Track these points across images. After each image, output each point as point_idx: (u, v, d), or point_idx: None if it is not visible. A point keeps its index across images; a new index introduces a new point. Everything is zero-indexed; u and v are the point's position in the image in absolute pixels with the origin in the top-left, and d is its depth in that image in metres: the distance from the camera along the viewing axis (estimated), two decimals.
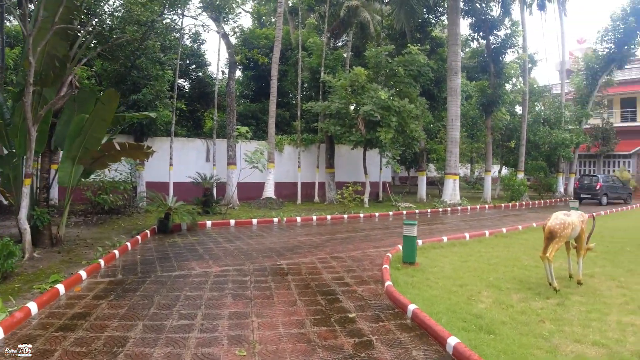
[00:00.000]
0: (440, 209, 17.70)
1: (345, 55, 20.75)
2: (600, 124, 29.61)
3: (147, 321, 4.91)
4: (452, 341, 4.24)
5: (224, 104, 19.42)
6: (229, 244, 9.75)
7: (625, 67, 28.30)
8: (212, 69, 23.33)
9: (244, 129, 13.78)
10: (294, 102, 23.02)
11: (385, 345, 4.40)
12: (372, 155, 20.76)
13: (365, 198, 17.87)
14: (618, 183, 24.00)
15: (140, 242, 9.76)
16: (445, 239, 10.32)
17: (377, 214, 15.61)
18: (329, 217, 14.52)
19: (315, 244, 10.02)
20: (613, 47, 25.71)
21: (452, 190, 19.22)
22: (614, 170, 29.95)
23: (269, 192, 17.03)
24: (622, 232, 12.23)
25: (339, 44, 23.26)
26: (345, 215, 14.88)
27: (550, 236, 6.42)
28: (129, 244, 9.00)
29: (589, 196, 22.59)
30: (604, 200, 22.41)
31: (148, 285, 6.36)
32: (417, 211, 16.96)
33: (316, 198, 19.41)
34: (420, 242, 9.27)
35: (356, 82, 16.89)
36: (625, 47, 25.41)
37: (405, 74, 17.14)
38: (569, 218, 6.55)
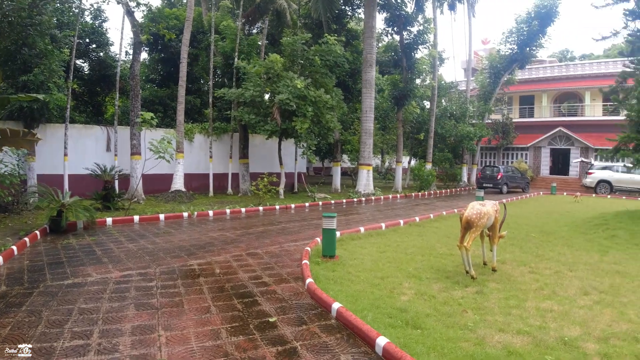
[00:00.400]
0: (355, 199, 17.86)
1: (260, 43, 20.03)
2: (500, 119, 32.14)
3: (34, 343, 4.04)
4: (382, 341, 3.98)
5: (127, 88, 17.73)
6: (132, 244, 8.72)
7: (526, 67, 30.93)
8: (115, 49, 21.17)
9: (148, 115, 12.52)
10: (206, 88, 21.82)
11: (311, 351, 4.02)
12: (287, 146, 20.36)
13: (281, 189, 17.47)
14: (517, 173, 26.20)
15: (28, 244, 8.36)
16: (362, 229, 10.25)
17: (293, 205, 15.25)
18: (243, 210, 13.85)
19: (230, 239, 9.36)
20: (516, 48, 27.86)
21: (366, 181, 19.51)
22: (512, 162, 32.75)
23: (178, 184, 15.90)
24: (525, 219, 13.12)
25: (254, 31, 22.42)
26: (261, 208, 14.31)
27: (468, 226, 6.49)
28: (14, 247, 7.63)
29: (490, 185, 24.32)
30: (504, 189, 24.27)
31: (36, 298, 5.33)
32: (332, 202, 16.91)
33: (229, 190, 18.58)
34: (338, 233, 9.06)
35: (272, 70, 16.32)
36: (527, 49, 27.67)
37: (321, 64, 16.91)
38: (484, 208, 6.67)
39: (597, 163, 26.97)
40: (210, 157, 18.20)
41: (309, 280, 5.91)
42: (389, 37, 23.27)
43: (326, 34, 17.47)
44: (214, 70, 19.72)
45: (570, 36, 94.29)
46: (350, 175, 25.37)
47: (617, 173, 24.95)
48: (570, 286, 6.12)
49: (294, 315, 4.93)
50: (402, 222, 11.78)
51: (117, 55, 18.24)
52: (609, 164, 26.25)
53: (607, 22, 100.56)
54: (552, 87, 34.54)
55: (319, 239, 8.48)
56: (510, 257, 7.93)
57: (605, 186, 25.12)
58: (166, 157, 12.06)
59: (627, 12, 12.62)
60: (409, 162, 29.31)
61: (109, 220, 11.07)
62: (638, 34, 12.67)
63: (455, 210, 14.97)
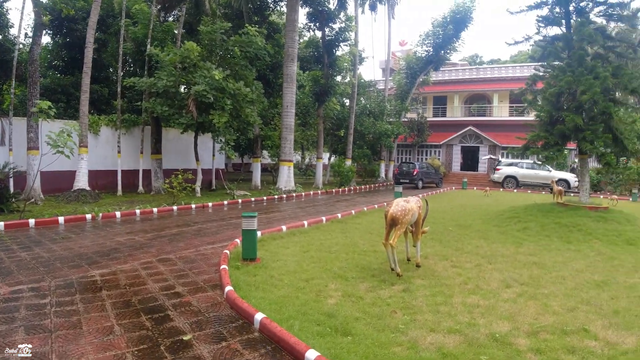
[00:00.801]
0: (276, 197, 17.45)
1: (176, 31, 18.76)
2: (416, 117, 33.50)
3: None
4: (312, 355, 3.63)
5: (26, 74, 15.64)
6: (25, 252, 7.49)
7: (440, 69, 32.43)
8: (14, 32, 18.60)
9: (45, 104, 10.94)
10: (115, 77, 20.03)
11: None
12: (204, 141, 19.39)
13: (197, 187, 16.50)
14: (431, 169, 27.42)
15: None
16: (284, 228, 9.86)
17: (210, 204, 14.39)
18: (155, 210, 12.76)
19: (139, 244, 8.44)
20: (432, 50, 29.13)
21: (287, 177, 19.18)
22: (427, 159, 34.33)
23: (82, 182, 14.33)
24: (442, 214, 13.55)
25: (170, 19, 21.00)
26: (175, 207, 13.31)
27: (393, 223, 6.39)
28: None
29: (407, 181, 25.17)
30: (420, 184, 25.25)
31: None
32: (253, 199, 16.32)
33: (140, 188, 17.19)
34: (259, 233, 8.58)
35: (188, 59, 15.30)
36: (442, 52, 29.03)
37: (241, 56, 16.20)
38: (409, 204, 6.61)
39: (504, 160, 29.08)
40: (119, 152, 16.68)
41: (228, 288, 5.38)
42: (311, 32, 23.13)
43: (247, 25, 16.77)
44: (124, 58, 18.13)
45: (479, 42, 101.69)
46: (270, 172, 24.88)
47: (522, 169, 27.11)
48: (492, 279, 6.26)
49: (212, 330, 4.39)
50: (324, 219, 11.59)
51: (16, 38, 16.00)
52: (515, 160, 28.43)
53: (512, 30, 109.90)
54: (464, 89, 36.75)
55: (238, 241, 7.96)
56: (432, 251, 8.03)
57: (512, 181, 27.17)
58: (66, 152, 10.69)
59: (540, 19, 13.46)
60: (329, 159, 29.50)
61: (0, 224, 9.57)
62: (548, 39, 13.57)
63: (376, 205, 15.15)
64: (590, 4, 12.94)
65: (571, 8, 13.06)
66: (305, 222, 10.72)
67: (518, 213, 12.32)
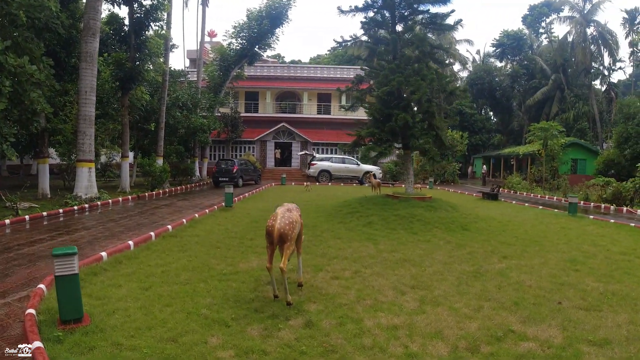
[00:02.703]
0: (76, 207, 13.66)
1: None
2: (229, 112, 31.82)
3: None
4: None
5: None
6: None
7: (253, 64, 31.57)
8: None
9: None
10: None
11: None
12: None
13: None
14: (250, 166, 26.32)
15: None
16: (104, 254, 7.11)
17: None
18: None
19: None
20: (246, 43, 27.87)
21: (87, 182, 15.36)
22: (241, 155, 33.12)
23: None
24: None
25: None
26: None
27: (282, 240, 5.01)
28: None
29: (226, 179, 23.51)
30: (240, 182, 23.87)
31: None
32: (45, 214, 12.19)
33: None
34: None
35: None
36: (257, 47, 28.12)
37: (28, 24, 12.03)
38: (293, 214, 5.32)
39: (318, 155, 30.05)
40: None
41: None
42: (114, 7, 19.11)
43: None
44: None
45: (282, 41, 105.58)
46: (60, 175, 19.76)
47: (334, 163, 28.39)
48: (382, 287, 5.88)
49: None
50: (152, 234, 9.17)
51: None
52: (327, 155, 29.60)
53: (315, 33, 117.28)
54: (276, 86, 36.94)
55: (44, 287, 5.24)
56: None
57: (326, 175, 28.23)
58: None
59: (368, 21, 13.62)
60: (135, 157, 25.62)
61: None
62: (374, 41, 13.89)
63: (207, 210, 13.20)
64: (413, 12, 13.84)
65: (397, 14, 13.74)
66: (131, 243, 8.13)
67: (356, 207, 12.32)
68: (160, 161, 21.65)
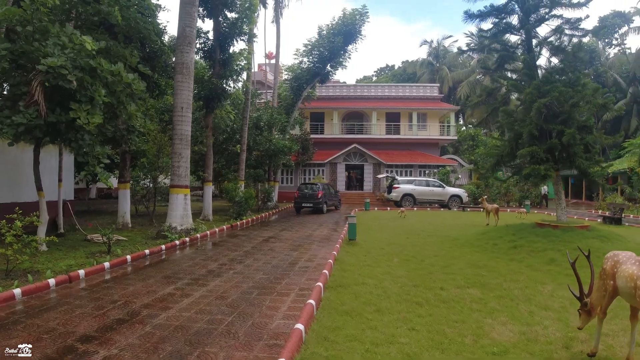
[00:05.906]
0: (178, 242, 11.63)
1: None
2: (299, 134, 29.95)
3: None
4: None
5: None
6: None
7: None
8: None
9: None
10: None
11: None
12: (42, 157, 12.52)
13: (41, 235, 9.69)
14: (332, 190, 24.05)
15: None
16: (301, 329, 4.94)
17: (81, 273, 7.65)
18: None
19: None
20: (318, 61, 26.15)
21: (183, 211, 13.39)
22: (312, 178, 31.03)
23: None
24: (429, 247, 10.05)
25: None
26: (18, 291, 6.44)
27: None
28: None
29: (310, 205, 21.36)
30: (324, 208, 21.66)
31: None
32: (147, 252, 10.07)
33: None
34: None
35: (27, 19, 8.95)
36: (329, 64, 26.27)
37: (124, 26, 10.38)
38: None
39: (401, 178, 27.56)
40: None
41: None
42: (198, 20, 17.67)
43: None
44: None
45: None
46: (137, 201, 17.95)
47: (418, 187, 25.77)
48: None
49: None
50: (321, 285, 6.89)
51: None
52: (411, 178, 27.05)
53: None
54: (343, 106, 35.09)
55: None
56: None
57: (409, 199, 25.57)
58: None
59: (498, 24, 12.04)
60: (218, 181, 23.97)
61: None
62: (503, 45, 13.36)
63: (337, 246, 10.88)
64: (544, 18, 12.48)
65: (531, 19, 12.47)
66: (312, 302, 5.78)
67: (512, 239, 10.84)
68: (242, 186, 19.78)
